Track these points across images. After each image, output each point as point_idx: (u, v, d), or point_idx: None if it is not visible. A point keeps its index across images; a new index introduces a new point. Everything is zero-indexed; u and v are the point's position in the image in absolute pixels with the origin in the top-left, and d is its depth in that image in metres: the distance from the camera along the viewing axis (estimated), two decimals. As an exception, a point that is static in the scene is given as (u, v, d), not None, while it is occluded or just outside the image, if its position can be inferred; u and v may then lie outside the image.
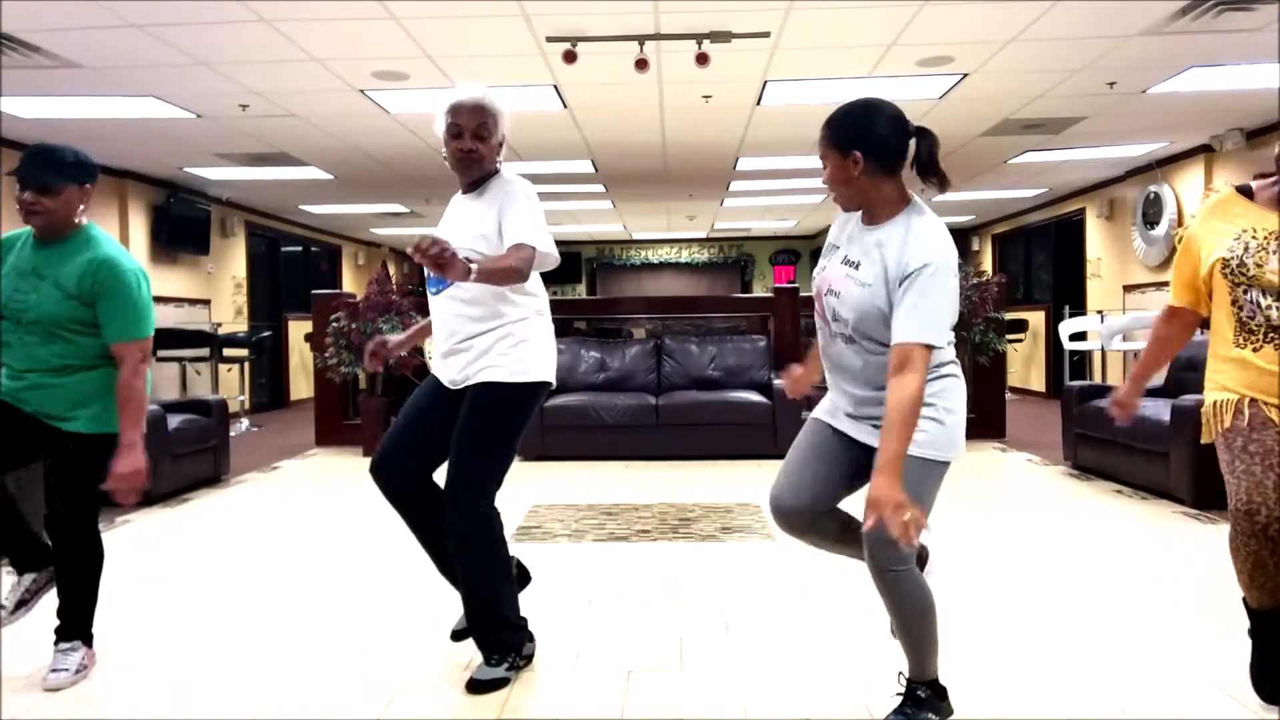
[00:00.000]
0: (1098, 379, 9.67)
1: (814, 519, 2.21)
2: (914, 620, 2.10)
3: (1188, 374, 5.44)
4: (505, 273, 2.35)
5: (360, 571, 3.71)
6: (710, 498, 5.04)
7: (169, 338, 8.37)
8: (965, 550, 3.90)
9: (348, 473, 6.15)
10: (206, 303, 9.88)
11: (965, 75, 5.69)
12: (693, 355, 7.11)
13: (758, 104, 6.39)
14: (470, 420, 2.48)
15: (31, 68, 5.16)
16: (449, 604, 3.24)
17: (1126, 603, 3.20)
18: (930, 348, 1.94)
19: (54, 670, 2.56)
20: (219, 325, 9.64)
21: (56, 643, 2.62)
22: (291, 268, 12.34)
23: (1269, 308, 2.19)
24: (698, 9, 4.51)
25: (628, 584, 3.48)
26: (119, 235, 8.46)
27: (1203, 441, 2.39)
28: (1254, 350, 2.22)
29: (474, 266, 2.21)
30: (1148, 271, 9.07)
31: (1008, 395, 7.95)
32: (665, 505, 4.89)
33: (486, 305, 2.48)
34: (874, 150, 2.03)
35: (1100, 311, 9.43)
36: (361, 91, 5.85)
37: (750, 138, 7.56)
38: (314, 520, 4.68)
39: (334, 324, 6.79)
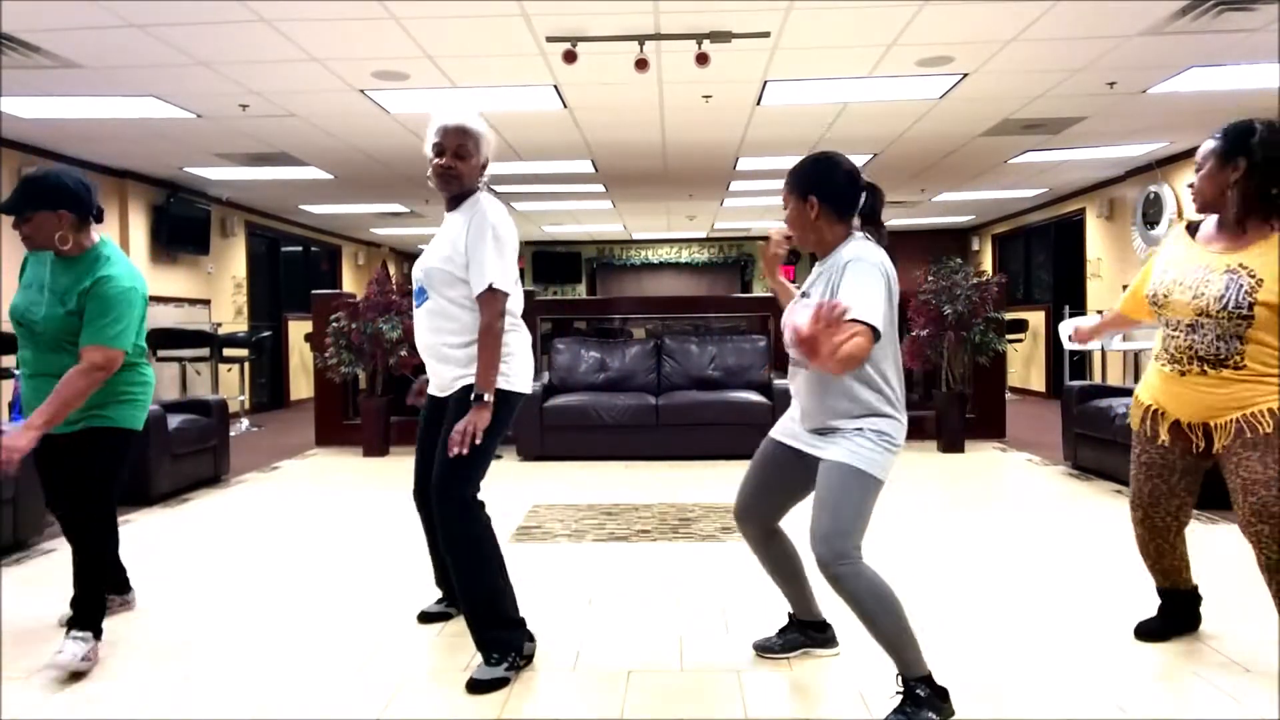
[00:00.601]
0: (1098, 379, 9.67)
1: (751, 521, 2.61)
2: (877, 615, 2.18)
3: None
4: (493, 350, 2.54)
5: (360, 571, 3.71)
6: (710, 498, 5.04)
7: (169, 338, 8.37)
8: (965, 550, 3.90)
9: (348, 473, 6.15)
10: (206, 303, 9.88)
11: (965, 75, 5.69)
12: (693, 355, 7.11)
13: (758, 104, 6.39)
14: (454, 425, 2.52)
15: (31, 68, 5.16)
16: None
17: (1126, 603, 3.20)
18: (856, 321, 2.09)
19: (62, 651, 2.61)
20: (219, 325, 9.64)
21: (68, 632, 2.68)
22: (291, 268, 12.34)
23: (1171, 335, 2.50)
24: (698, 9, 4.51)
25: (628, 584, 3.48)
26: (119, 235, 8.46)
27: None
28: (1166, 367, 2.55)
29: (483, 396, 2.51)
30: (1148, 271, 9.07)
31: (1008, 395, 7.96)
32: (665, 505, 4.89)
33: (462, 320, 2.61)
34: (828, 197, 2.29)
35: (1100, 311, 9.40)
36: (361, 91, 5.85)
37: (750, 138, 7.56)
38: (314, 520, 4.68)
39: (334, 324, 6.79)
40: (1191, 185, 2.50)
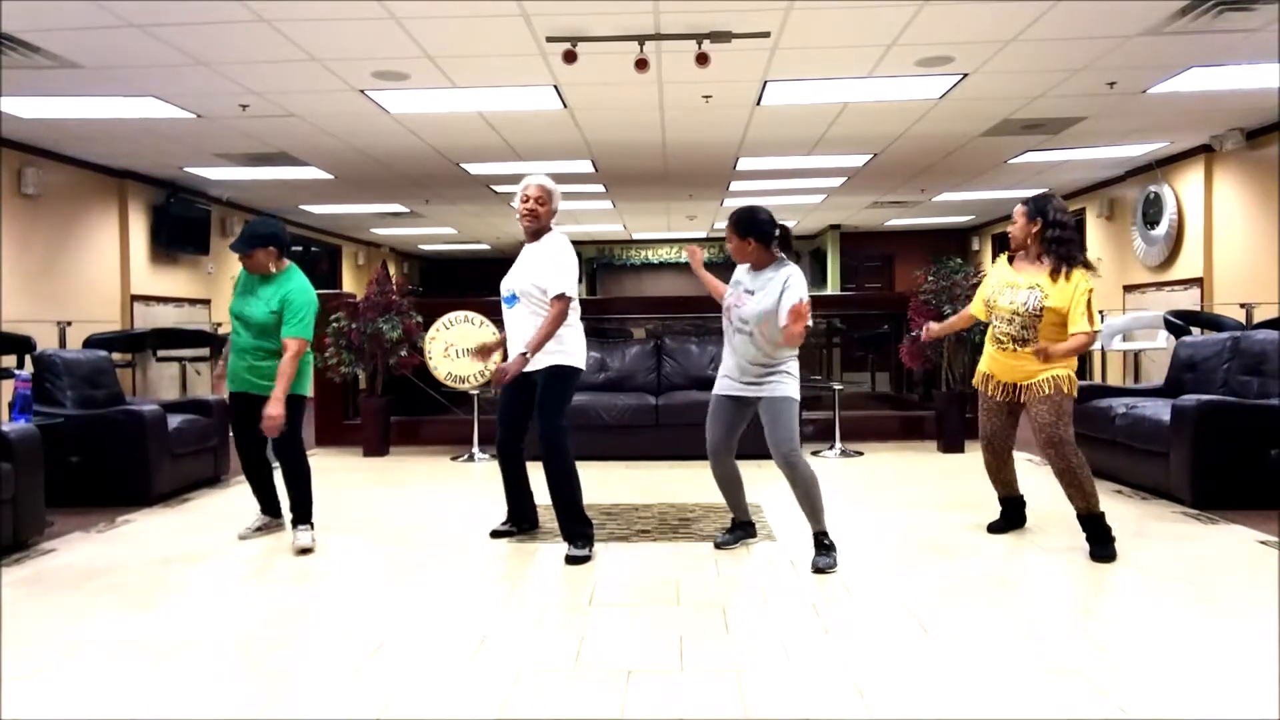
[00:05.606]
0: (1098, 379, 9.66)
1: (724, 455, 3.81)
2: (809, 487, 3.59)
3: (1187, 374, 5.44)
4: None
5: (360, 571, 3.71)
6: (710, 498, 5.02)
7: (169, 338, 8.38)
8: (966, 549, 3.90)
9: (348, 473, 6.14)
10: (207, 303, 9.89)
11: (965, 75, 5.70)
12: (693, 355, 7.10)
13: (758, 104, 6.39)
14: (549, 389, 3.90)
15: (31, 68, 5.16)
16: (448, 604, 3.24)
17: (1126, 602, 3.20)
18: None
19: (299, 540, 3.94)
20: (219, 325, 9.65)
21: (294, 526, 4.04)
22: (291, 268, 12.32)
23: (997, 324, 3.82)
24: (698, 9, 4.51)
25: (628, 584, 3.48)
26: (119, 235, 8.47)
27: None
28: (994, 347, 3.87)
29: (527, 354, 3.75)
30: (1148, 271, 9.08)
31: (1008, 395, 7.94)
32: (665, 505, 4.89)
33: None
34: (758, 236, 3.62)
35: (1100, 311, 9.43)
36: (361, 91, 5.85)
37: (750, 138, 7.57)
38: (313, 520, 4.67)
39: (334, 324, 6.79)
40: (1009, 232, 3.83)
